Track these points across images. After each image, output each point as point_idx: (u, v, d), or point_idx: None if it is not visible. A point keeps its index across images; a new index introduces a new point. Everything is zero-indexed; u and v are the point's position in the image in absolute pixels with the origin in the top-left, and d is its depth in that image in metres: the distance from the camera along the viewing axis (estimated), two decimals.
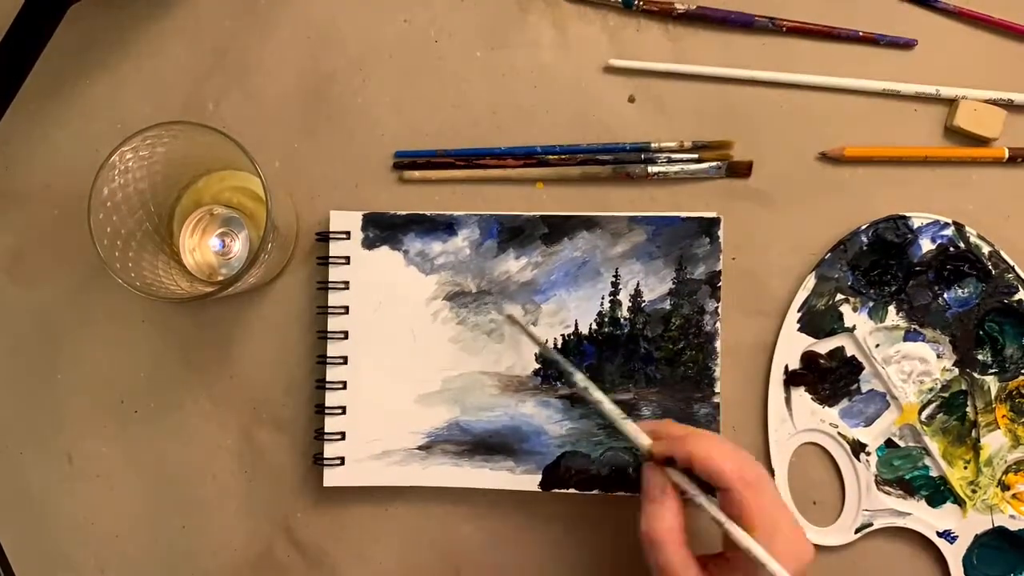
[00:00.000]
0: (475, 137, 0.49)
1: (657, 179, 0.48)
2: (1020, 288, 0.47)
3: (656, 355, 0.47)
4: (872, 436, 0.47)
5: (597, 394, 0.42)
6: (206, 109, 0.49)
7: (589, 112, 0.49)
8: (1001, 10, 0.49)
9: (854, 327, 0.47)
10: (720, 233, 0.47)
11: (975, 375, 0.47)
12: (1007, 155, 0.48)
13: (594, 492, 0.46)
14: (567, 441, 0.47)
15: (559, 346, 0.47)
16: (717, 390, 0.46)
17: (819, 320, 0.47)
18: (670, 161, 0.48)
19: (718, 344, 0.47)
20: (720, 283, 0.47)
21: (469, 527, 0.48)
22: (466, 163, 0.48)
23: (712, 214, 0.47)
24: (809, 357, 0.48)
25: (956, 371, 0.47)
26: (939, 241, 0.47)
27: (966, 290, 0.47)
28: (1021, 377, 0.47)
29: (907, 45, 0.49)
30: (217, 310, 0.49)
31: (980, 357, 0.47)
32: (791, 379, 0.48)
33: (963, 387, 0.47)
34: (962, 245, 0.47)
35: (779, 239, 0.48)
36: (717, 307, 0.47)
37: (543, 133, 0.49)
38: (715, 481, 0.38)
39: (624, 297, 0.47)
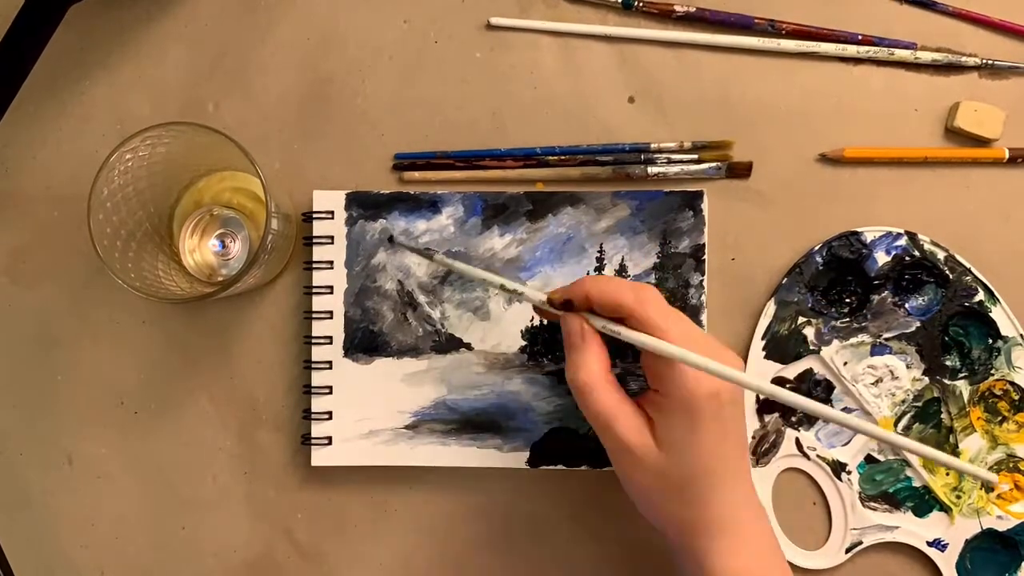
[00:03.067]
0: (475, 138, 0.49)
1: (656, 180, 0.48)
2: (979, 289, 0.47)
3: None
4: (851, 454, 0.47)
5: (471, 269, 0.41)
6: (206, 110, 0.49)
7: (589, 113, 0.49)
8: (1001, 11, 0.49)
9: (820, 348, 0.47)
10: (704, 206, 0.47)
11: (946, 381, 0.47)
12: (1007, 156, 0.48)
13: (582, 468, 0.47)
14: (554, 417, 0.47)
15: (545, 323, 0.47)
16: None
17: (784, 345, 0.47)
18: (670, 162, 0.48)
19: (704, 317, 0.47)
20: (704, 256, 0.47)
21: (471, 527, 0.48)
22: (466, 164, 0.48)
23: (695, 188, 0.47)
24: (777, 384, 0.47)
25: (926, 379, 0.47)
26: (894, 252, 0.47)
27: (926, 298, 0.47)
28: (991, 378, 0.47)
29: (907, 48, 0.49)
30: (217, 311, 0.49)
31: (948, 363, 0.47)
32: (763, 407, 0.47)
33: (935, 394, 0.47)
34: (917, 253, 0.47)
35: (779, 240, 0.48)
36: (702, 280, 0.47)
37: (543, 134, 0.49)
38: (617, 311, 0.38)
39: (609, 272, 0.47)
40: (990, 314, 0.47)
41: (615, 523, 0.48)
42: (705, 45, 0.49)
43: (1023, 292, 0.47)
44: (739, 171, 0.48)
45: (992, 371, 0.47)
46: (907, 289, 0.47)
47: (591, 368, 0.38)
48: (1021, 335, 0.47)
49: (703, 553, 0.38)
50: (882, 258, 0.47)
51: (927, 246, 0.47)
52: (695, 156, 0.48)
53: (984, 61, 0.48)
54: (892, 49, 0.48)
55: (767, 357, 0.47)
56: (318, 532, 0.49)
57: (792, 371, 0.47)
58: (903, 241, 0.47)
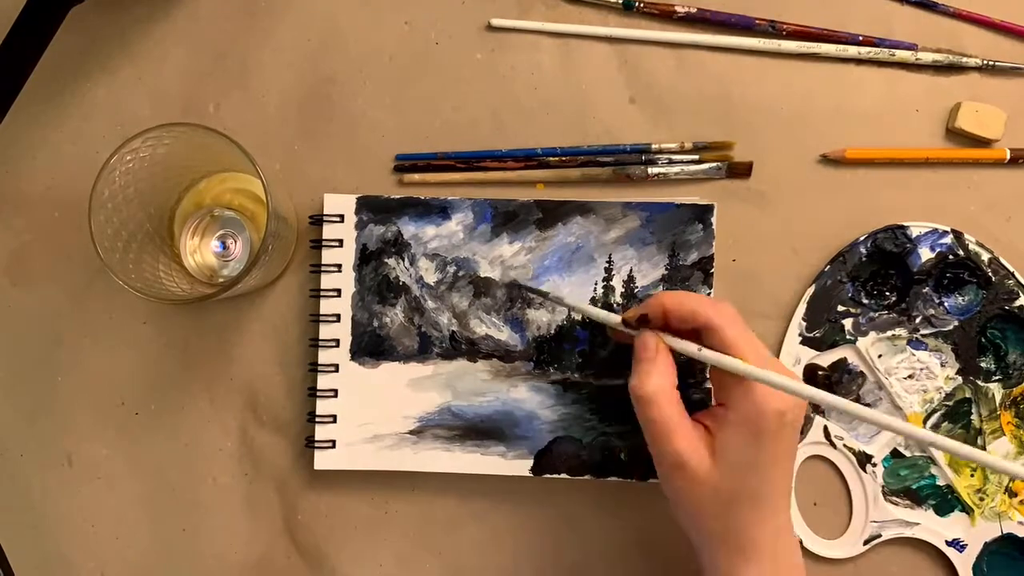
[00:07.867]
0: (475, 139, 0.49)
1: (657, 180, 0.48)
2: (1021, 294, 0.47)
3: None
4: (877, 447, 0.47)
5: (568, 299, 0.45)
6: (207, 111, 0.49)
7: (589, 114, 0.49)
8: (1002, 12, 0.49)
9: (856, 338, 0.47)
10: (714, 220, 0.47)
11: (979, 383, 0.47)
12: (1008, 156, 0.48)
13: (585, 477, 0.47)
14: (559, 426, 0.47)
15: (552, 332, 0.47)
16: (709, 375, 0.46)
17: (820, 332, 0.47)
18: (670, 163, 0.48)
19: None
20: (713, 269, 0.47)
21: (471, 530, 0.48)
22: (466, 165, 0.48)
23: (706, 201, 0.47)
24: (811, 370, 0.47)
25: (960, 379, 0.47)
26: (938, 249, 0.47)
27: (967, 298, 0.47)
28: None
29: (907, 48, 0.49)
30: (218, 312, 0.49)
31: (983, 364, 0.47)
32: None
33: (967, 395, 0.47)
34: (961, 253, 0.47)
35: (780, 241, 0.48)
36: (710, 293, 0.47)
37: (543, 135, 0.49)
38: (693, 321, 0.39)
39: (617, 283, 0.47)
40: None
41: (617, 533, 0.48)
42: (706, 46, 0.49)
43: None
44: (739, 171, 0.48)
45: None
46: (948, 287, 0.48)
47: (658, 380, 0.39)
48: None
49: (734, 574, 0.38)
50: (926, 254, 0.47)
51: (972, 246, 0.47)
52: (696, 157, 0.48)
53: (985, 62, 0.48)
54: (893, 50, 0.48)
55: (803, 343, 0.47)
56: (319, 533, 0.49)
57: (826, 359, 0.47)
58: (948, 239, 0.47)
